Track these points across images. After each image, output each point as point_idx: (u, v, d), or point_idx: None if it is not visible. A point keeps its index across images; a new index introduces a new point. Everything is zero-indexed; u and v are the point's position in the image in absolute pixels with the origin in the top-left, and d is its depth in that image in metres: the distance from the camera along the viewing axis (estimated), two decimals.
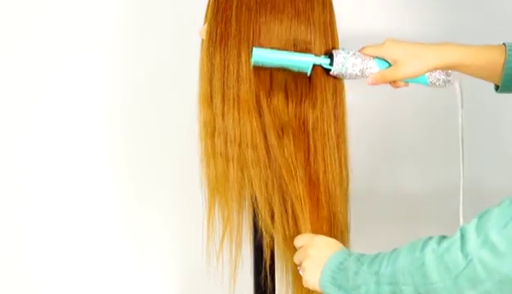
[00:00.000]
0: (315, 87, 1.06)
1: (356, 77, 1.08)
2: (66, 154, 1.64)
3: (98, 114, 1.63)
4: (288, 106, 1.06)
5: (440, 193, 1.64)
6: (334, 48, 1.08)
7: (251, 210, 1.11)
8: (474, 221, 0.79)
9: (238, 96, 1.04)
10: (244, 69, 1.04)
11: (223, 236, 1.11)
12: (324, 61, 1.05)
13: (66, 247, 1.66)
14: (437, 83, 1.11)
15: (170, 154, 1.63)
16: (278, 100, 1.06)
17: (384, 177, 1.70)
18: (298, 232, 1.07)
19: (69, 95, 1.62)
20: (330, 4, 1.09)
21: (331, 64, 1.05)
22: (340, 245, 1.02)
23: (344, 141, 1.12)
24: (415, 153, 1.70)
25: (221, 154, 1.07)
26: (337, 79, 1.09)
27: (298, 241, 1.06)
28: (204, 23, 1.10)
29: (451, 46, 1.06)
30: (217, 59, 1.05)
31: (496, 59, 1.05)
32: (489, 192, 1.63)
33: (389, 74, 1.06)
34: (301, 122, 1.07)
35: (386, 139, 1.69)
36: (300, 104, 1.06)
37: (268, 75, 1.05)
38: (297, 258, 1.04)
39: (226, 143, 1.06)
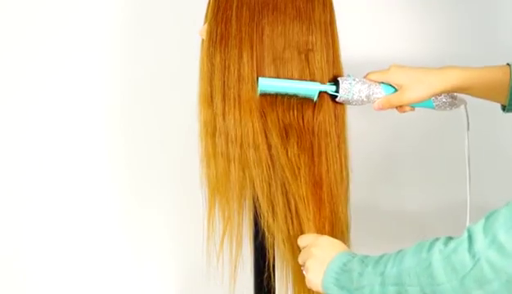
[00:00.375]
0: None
1: (362, 102, 1.08)
2: (66, 154, 1.64)
3: (98, 114, 1.63)
4: (290, 106, 1.06)
5: (444, 212, 1.65)
6: (334, 49, 1.08)
7: (251, 210, 1.11)
8: (481, 222, 0.79)
9: (239, 96, 1.04)
10: (246, 69, 1.03)
11: (223, 236, 1.11)
12: (330, 88, 1.06)
13: (66, 247, 1.66)
14: (443, 107, 1.12)
15: (170, 154, 1.63)
16: (280, 100, 1.06)
17: (386, 196, 1.70)
18: (301, 232, 1.07)
19: (69, 95, 1.62)
20: (330, 4, 1.09)
21: (337, 90, 1.06)
22: (344, 246, 1.02)
23: (344, 141, 1.12)
24: (418, 172, 1.70)
25: (221, 154, 1.07)
26: None
27: (302, 240, 1.05)
28: (205, 23, 1.10)
29: (454, 70, 1.07)
30: (218, 59, 1.05)
31: (501, 79, 1.06)
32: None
33: (395, 99, 1.07)
34: (303, 122, 1.06)
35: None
36: (302, 104, 1.06)
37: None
38: (301, 258, 1.04)
39: (227, 143, 1.06)
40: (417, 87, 1.06)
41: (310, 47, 1.05)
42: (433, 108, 1.12)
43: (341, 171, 1.10)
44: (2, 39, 1.59)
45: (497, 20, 1.64)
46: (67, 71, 1.61)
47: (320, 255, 0.99)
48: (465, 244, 0.78)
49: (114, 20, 1.61)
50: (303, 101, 1.06)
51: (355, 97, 1.07)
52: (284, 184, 1.07)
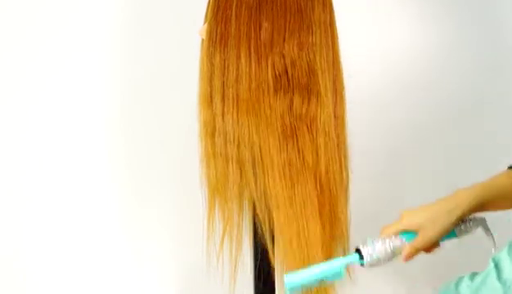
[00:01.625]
0: (317, 87, 1.06)
1: (390, 259, 1.06)
2: (66, 154, 1.64)
3: (98, 114, 1.63)
4: (290, 107, 1.05)
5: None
6: (334, 49, 1.08)
7: (251, 210, 1.11)
8: (505, 249, 0.79)
9: (237, 96, 1.04)
10: (244, 69, 1.03)
11: (223, 236, 1.11)
12: (354, 259, 1.04)
13: (66, 247, 1.66)
14: (465, 232, 1.09)
15: (170, 154, 1.63)
16: (281, 100, 1.05)
17: (386, 196, 1.70)
18: (301, 232, 1.07)
19: (70, 95, 1.62)
20: (330, 4, 1.09)
21: (361, 258, 1.04)
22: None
23: (344, 142, 1.12)
24: (419, 173, 1.69)
25: (221, 154, 1.07)
26: (337, 78, 1.09)
27: None
28: (204, 22, 1.10)
29: (464, 194, 1.05)
30: (217, 58, 1.05)
31: (509, 186, 1.04)
32: None
33: (420, 244, 1.05)
34: (304, 122, 1.06)
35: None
36: (302, 104, 1.06)
37: (270, 76, 1.05)
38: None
39: (225, 143, 1.06)
40: (436, 224, 1.04)
41: (312, 49, 1.04)
42: (456, 236, 1.09)
43: (341, 172, 1.10)
44: (2, 39, 1.59)
45: (498, 18, 1.64)
46: (67, 71, 1.61)
47: None
48: (493, 274, 0.78)
49: (114, 20, 1.61)
50: (304, 101, 1.06)
51: (381, 257, 1.05)
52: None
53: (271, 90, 1.05)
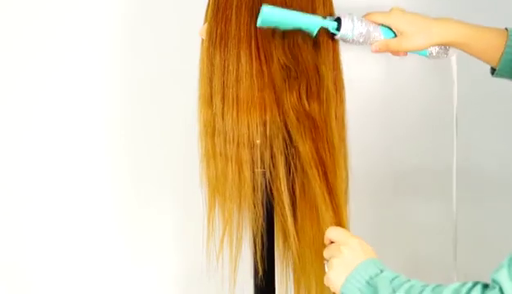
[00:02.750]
0: (319, 88, 1.05)
1: (359, 43, 1.08)
2: (66, 154, 1.64)
3: (98, 114, 1.63)
4: (291, 107, 1.05)
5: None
6: (334, 50, 1.08)
7: (251, 210, 1.11)
8: (504, 270, 0.79)
9: (237, 96, 1.04)
10: (244, 69, 1.03)
11: (223, 236, 1.11)
12: (331, 24, 1.05)
13: (66, 247, 1.66)
14: (436, 56, 1.13)
15: (170, 154, 1.63)
16: (281, 101, 1.05)
17: (387, 197, 1.70)
18: (300, 233, 1.08)
19: (70, 96, 1.62)
20: (331, 4, 1.09)
21: (338, 28, 1.05)
22: (374, 253, 0.98)
23: (344, 141, 1.12)
24: (419, 172, 1.70)
25: (220, 154, 1.07)
26: (338, 78, 1.09)
27: (333, 234, 1.01)
28: (204, 23, 1.10)
29: (455, 25, 1.09)
30: (217, 59, 1.05)
31: (497, 42, 1.07)
32: (482, 173, 1.64)
33: (394, 45, 1.09)
34: (305, 122, 1.06)
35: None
36: (302, 104, 1.05)
37: (271, 75, 1.05)
38: (327, 252, 1.00)
39: (225, 143, 1.06)
40: (417, 36, 1.07)
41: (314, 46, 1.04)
42: (426, 56, 1.13)
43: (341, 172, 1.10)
44: (2, 39, 1.59)
45: (498, 17, 1.64)
46: (67, 71, 1.61)
47: (348, 256, 0.96)
48: None
49: (115, 20, 1.61)
50: (304, 101, 1.05)
51: (355, 37, 1.06)
52: (278, 185, 1.07)
53: (276, 92, 1.04)
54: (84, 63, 1.62)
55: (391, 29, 1.09)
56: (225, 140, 1.06)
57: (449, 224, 1.14)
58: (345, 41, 1.08)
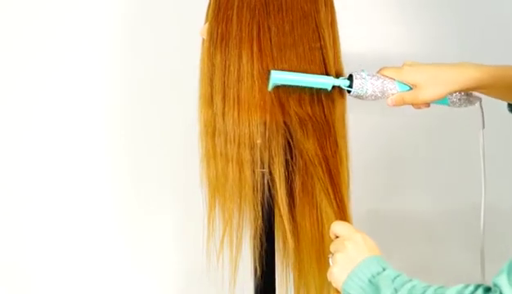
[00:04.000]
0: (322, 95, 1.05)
1: (375, 98, 1.07)
2: (66, 154, 1.64)
3: (98, 115, 1.63)
4: (293, 108, 1.05)
5: (450, 213, 1.64)
6: (335, 49, 1.08)
7: (251, 210, 1.11)
8: (504, 276, 0.79)
9: (238, 96, 1.04)
10: (245, 69, 1.03)
11: (223, 236, 1.11)
12: (343, 83, 1.04)
13: (66, 247, 1.67)
14: (457, 104, 1.11)
15: (170, 154, 1.63)
16: (283, 101, 1.05)
17: (387, 198, 1.70)
18: (300, 233, 1.08)
19: (70, 96, 1.62)
20: (331, 4, 1.09)
21: (351, 85, 1.04)
22: (378, 250, 0.98)
23: (344, 141, 1.12)
24: (421, 172, 1.70)
25: (221, 154, 1.07)
26: None
27: (337, 228, 1.00)
28: (205, 22, 1.09)
29: (470, 68, 1.06)
30: (218, 59, 1.05)
31: None
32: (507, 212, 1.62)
33: (410, 98, 1.06)
34: (307, 122, 1.05)
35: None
36: (304, 108, 1.05)
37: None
38: (333, 246, 1.00)
39: (226, 143, 1.06)
40: (432, 86, 1.04)
41: (322, 44, 1.04)
42: (448, 105, 1.11)
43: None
44: (2, 39, 1.59)
45: (496, 15, 1.64)
46: (67, 71, 1.61)
47: (352, 251, 0.95)
48: None
49: (115, 20, 1.61)
50: (304, 103, 1.05)
51: (368, 92, 1.05)
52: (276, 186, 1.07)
53: (278, 93, 1.04)
54: (84, 63, 1.62)
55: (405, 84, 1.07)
56: (225, 140, 1.06)
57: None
58: (360, 97, 1.06)
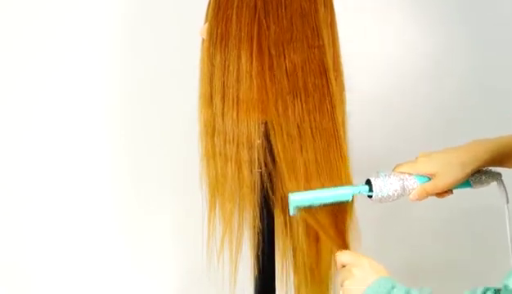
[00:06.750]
0: (329, 88, 1.05)
1: (398, 197, 1.06)
2: (66, 154, 1.64)
3: (98, 115, 1.63)
4: (289, 108, 1.05)
5: (452, 215, 1.62)
6: (335, 49, 1.08)
7: (251, 210, 1.11)
8: None
9: (237, 96, 1.04)
10: (245, 69, 1.03)
11: (223, 236, 1.11)
12: (363, 189, 1.04)
13: (66, 247, 1.67)
14: (479, 183, 1.10)
15: (170, 154, 1.63)
16: (282, 102, 1.05)
17: None
18: (301, 234, 1.07)
19: (70, 96, 1.62)
20: (331, 5, 1.09)
21: (370, 189, 1.04)
22: (385, 271, 0.99)
23: (344, 141, 1.11)
24: None
25: (220, 154, 1.07)
26: (337, 81, 1.09)
27: (343, 257, 1.02)
28: (205, 22, 1.10)
29: (482, 145, 1.06)
30: (218, 59, 1.05)
31: None
32: None
33: (431, 188, 1.06)
34: (305, 123, 1.05)
35: None
36: (302, 105, 1.05)
37: (273, 76, 1.05)
38: (340, 277, 1.01)
39: (225, 143, 1.06)
40: (450, 172, 1.04)
41: (320, 44, 1.04)
42: (472, 187, 1.10)
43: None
44: (2, 39, 1.59)
45: (495, 16, 1.64)
46: (67, 71, 1.61)
47: (359, 277, 0.96)
48: None
49: (115, 20, 1.61)
50: (304, 102, 1.05)
51: (390, 193, 1.05)
52: (274, 186, 1.07)
53: (278, 93, 1.04)
54: (84, 63, 1.62)
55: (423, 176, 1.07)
56: (225, 140, 1.06)
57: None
58: (383, 200, 1.06)
